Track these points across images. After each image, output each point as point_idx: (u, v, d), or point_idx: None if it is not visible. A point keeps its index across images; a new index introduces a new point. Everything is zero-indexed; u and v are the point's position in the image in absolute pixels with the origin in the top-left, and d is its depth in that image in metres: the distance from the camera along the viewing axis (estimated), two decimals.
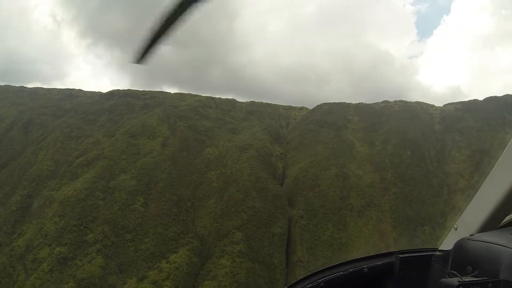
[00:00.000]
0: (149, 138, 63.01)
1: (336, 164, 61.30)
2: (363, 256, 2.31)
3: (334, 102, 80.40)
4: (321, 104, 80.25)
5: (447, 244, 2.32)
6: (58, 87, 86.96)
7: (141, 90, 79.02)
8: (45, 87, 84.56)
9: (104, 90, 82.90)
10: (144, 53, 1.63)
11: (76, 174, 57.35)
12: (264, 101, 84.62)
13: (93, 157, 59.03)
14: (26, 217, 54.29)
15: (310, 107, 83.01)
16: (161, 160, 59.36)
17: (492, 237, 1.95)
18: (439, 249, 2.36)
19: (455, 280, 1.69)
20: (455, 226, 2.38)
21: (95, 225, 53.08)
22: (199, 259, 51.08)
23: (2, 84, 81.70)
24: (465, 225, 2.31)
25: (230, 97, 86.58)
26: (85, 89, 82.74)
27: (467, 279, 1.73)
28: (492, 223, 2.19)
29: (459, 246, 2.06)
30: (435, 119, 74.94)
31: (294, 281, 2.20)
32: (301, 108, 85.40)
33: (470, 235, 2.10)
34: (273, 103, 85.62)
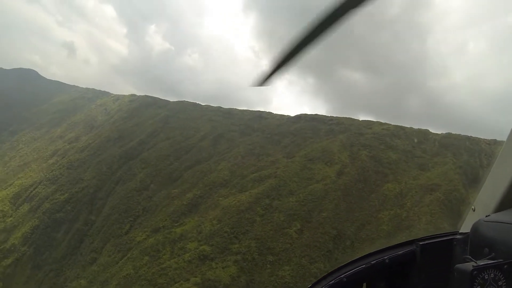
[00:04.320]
0: (326, 164, 75.63)
1: None
2: (384, 247, 2.85)
3: None
4: None
5: (466, 226, 2.85)
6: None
7: (329, 115, 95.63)
8: (251, 109, 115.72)
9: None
10: (269, 76, 2.16)
11: (246, 187, 75.08)
12: (462, 133, 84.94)
13: (266, 175, 75.82)
14: (192, 212, 75.70)
15: None
16: (332, 189, 69.34)
17: (507, 216, 2.42)
18: (459, 232, 2.90)
19: (469, 265, 2.11)
20: (473, 207, 2.93)
21: (244, 237, 67.81)
22: None
23: (203, 104, 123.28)
24: (483, 205, 2.82)
25: (424, 127, 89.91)
26: (275, 112, 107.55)
27: (482, 262, 2.14)
28: (509, 201, 2.63)
29: (476, 228, 2.53)
30: None
31: (318, 279, 2.79)
32: None
33: (486, 216, 2.59)
34: (474, 136, 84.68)
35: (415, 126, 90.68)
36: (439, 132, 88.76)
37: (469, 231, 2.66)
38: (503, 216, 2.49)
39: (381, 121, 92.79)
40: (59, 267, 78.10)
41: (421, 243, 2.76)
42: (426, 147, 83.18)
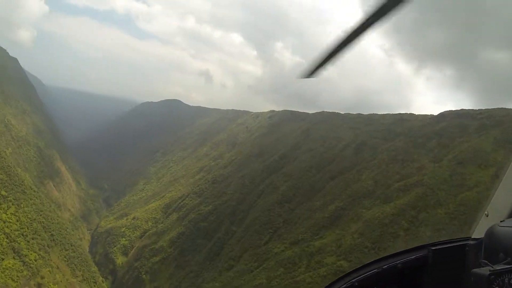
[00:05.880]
0: (479, 167, 69.82)
1: None
2: (396, 252, 3.12)
3: None
4: None
5: (479, 231, 3.16)
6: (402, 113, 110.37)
7: (477, 109, 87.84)
8: (392, 113, 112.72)
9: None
10: (319, 66, 2.37)
11: (391, 198, 74.05)
12: None
13: (412, 183, 73.74)
14: (333, 225, 76.71)
15: None
16: (487, 197, 63.61)
17: None
18: (472, 237, 3.19)
19: (486, 270, 2.32)
20: (486, 212, 3.26)
21: (385, 253, 69.47)
22: None
23: (342, 113, 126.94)
24: (496, 211, 3.16)
25: None
26: (417, 113, 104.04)
27: (499, 267, 2.35)
28: None
29: (490, 233, 2.80)
30: None
31: (329, 283, 2.99)
32: None
33: (501, 221, 2.87)
34: None
35: None
36: None
37: (482, 236, 2.94)
38: None
39: None
40: (199, 269, 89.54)
41: (433, 248, 3.07)
42: None
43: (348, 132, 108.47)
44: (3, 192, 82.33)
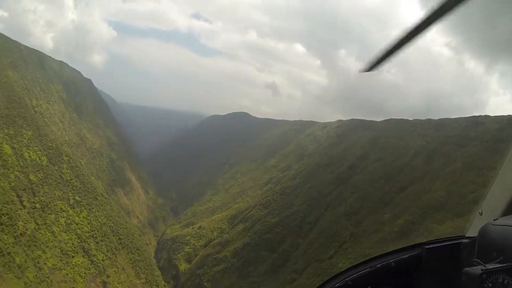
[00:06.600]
0: None
1: None
2: (390, 251, 3.20)
3: None
4: None
5: (473, 230, 3.25)
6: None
7: None
8: (464, 116, 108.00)
9: None
10: (378, 61, 2.41)
11: (464, 211, 69.20)
12: None
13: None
14: (401, 240, 72.55)
15: None
16: None
17: None
18: (466, 236, 3.29)
19: (478, 269, 2.40)
20: (480, 210, 3.36)
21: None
22: None
23: (411, 119, 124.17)
24: (490, 209, 3.26)
25: None
26: (493, 115, 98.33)
27: (491, 266, 2.43)
28: None
29: (484, 231, 2.86)
30: None
31: (322, 282, 3.05)
32: None
33: (494, 219, 2.91)
34: None
35: None
36: None
37: (476, 235, 2.99)
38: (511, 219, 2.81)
39: None
40: (260, 280, 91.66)
41: (427, 247, 3.17)
42: None
43: (418, 140, 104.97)
44: (77, 198, 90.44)
